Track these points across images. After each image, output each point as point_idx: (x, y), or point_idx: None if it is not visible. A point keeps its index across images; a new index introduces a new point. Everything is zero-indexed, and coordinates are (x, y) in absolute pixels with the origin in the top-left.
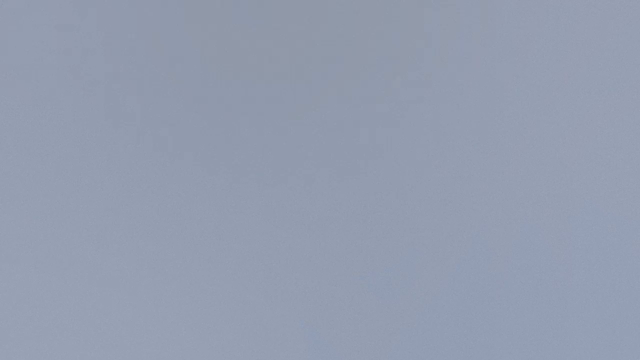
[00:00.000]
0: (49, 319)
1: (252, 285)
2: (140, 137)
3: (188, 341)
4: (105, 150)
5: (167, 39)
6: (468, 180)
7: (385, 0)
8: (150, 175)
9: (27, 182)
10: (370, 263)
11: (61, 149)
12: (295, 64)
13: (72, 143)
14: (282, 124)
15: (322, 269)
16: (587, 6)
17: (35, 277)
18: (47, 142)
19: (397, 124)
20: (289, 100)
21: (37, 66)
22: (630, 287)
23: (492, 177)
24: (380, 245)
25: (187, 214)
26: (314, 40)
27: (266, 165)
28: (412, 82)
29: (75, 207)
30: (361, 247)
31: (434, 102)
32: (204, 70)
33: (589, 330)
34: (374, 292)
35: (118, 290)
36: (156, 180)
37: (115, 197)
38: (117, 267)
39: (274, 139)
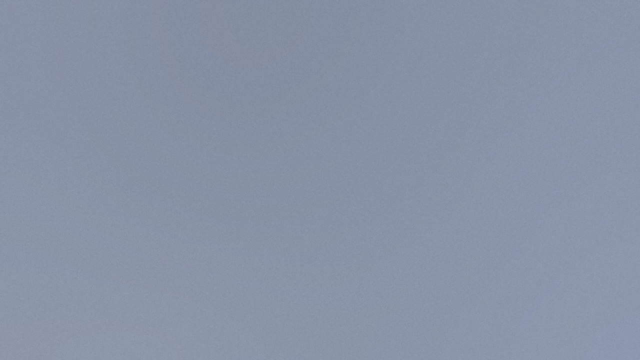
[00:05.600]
0: (49, 319)
1: (252, 285)
2: (140, 137)
3: (188, 341)
4: (105, 150)
5: (167, 39)
6: (468, 180)
7: (385, 1)
8: (150, 175)
9: (27, 182)
10: (370, 263)
11: (61, 149)
12: (295, 64)
13: (72, 143)
14: (282, 124)
15: (322, 269)
16: (587, 6)
17: (35, 277)
18: (47, 142)
19: (397, 124)
20: (289, 100)
21: (37, 66)
22: (630, 287)
23: (492, 177)
24: (381, 245)
25: (187, 214)
26: (314, 40)
27: (266, 165)
28: (412, 82)
29: (75, 207)
30: (361, 247)
31: (434, 102)
32: (204, 70)
33: (589, 330)
34: (374, 292)
35: (118, 290)
36: (156, 180)
37: (115, 197)
38: (117, 267)
39: (273, 140)
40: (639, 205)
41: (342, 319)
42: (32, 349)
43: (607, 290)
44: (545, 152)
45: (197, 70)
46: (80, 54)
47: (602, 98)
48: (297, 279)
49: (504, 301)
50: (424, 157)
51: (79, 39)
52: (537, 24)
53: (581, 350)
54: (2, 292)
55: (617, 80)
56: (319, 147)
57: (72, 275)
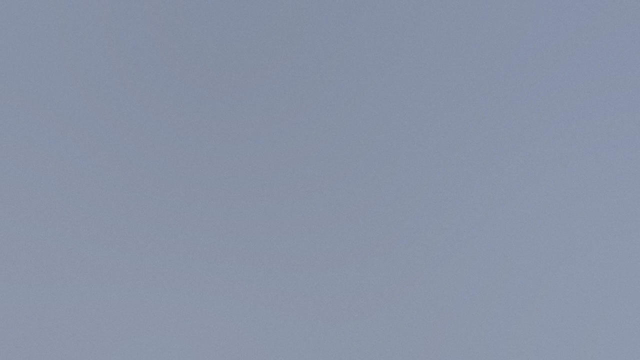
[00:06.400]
0: (49, 319)
1: (252, 285)
2: (139, 136)
3: (188, 341)
4: (104, 149)
5: (167, 39)
6: (468, 180)
7: (385, 1)
8: (150, 174)
9: (27, 182)
10: (370, 263)
11: (61, 149)
12: (295, 64)
13: (72, 143)
14: (282, 124)
15: (322, 269)
16: (587, 6)
17: (35, 277)
18: (47, 142)
19: (397, 124)
20: (289, 100)
21: (36, 66)
22: (630, 287)
23: (493, 177)
24: (380, 245)
25: (187, 214)
26: (314, 41)
27: (266, 165)
28: (412, 82)
29: (75, 207)
30: (361, 247)
31: (435, 102)
32: (204, 70)
33: (589, 330)
34: (373, 292)
35: (118, 290)
36: (156, 179)
37: (114, 197)
38: (117, 267)
39: (273, 140)
40: (639, 205)
41: (342, 319)
42: (32, 349)
43: (607, 290)
44: (545, 152)
45: (197, 70)
46: (79, 54)
47: (602, 98)
48: (297, 279)
49: (504, 301)
50: (423, 156)
51: (79, 38)
52: (537, 24)
53: (581, 349)
54: (2, 292)
55: (617, 80)
56: (319, 146)
57: (72, 275)
